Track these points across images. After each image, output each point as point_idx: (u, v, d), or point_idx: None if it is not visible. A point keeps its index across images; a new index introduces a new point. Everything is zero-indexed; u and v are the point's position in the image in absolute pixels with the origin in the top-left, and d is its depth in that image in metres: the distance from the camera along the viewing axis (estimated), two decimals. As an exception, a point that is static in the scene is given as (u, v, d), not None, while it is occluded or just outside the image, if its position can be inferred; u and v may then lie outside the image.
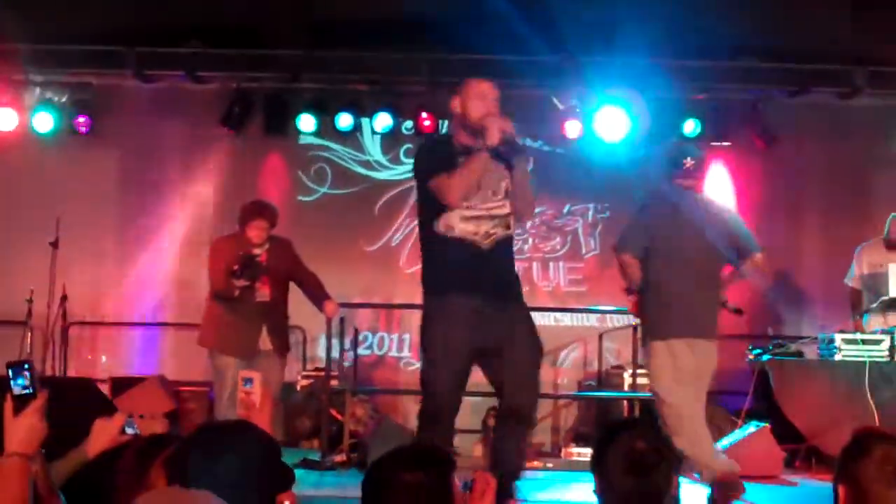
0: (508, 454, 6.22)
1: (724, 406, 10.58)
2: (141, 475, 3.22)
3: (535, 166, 10.90)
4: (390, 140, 12.47)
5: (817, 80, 11.73)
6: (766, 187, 12.35)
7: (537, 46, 11.02)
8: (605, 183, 11.92)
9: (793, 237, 12.27)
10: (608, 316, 11.63)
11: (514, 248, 6.56)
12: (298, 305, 8.93)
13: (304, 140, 12.44)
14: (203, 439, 2.91)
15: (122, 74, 11.81)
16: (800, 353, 9.77)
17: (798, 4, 10.29)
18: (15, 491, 3.06)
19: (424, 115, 11.91)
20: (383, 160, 12.55)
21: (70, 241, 11.34)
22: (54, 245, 11.18)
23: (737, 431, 9.14)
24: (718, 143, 12.21)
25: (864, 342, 9.12)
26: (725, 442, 8.99)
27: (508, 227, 6.26)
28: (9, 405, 3.18)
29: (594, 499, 3.44)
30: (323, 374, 10.23)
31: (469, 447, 10.42)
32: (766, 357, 9.56)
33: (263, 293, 8.43)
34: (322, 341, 11.27)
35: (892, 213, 10.03)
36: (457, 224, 6.03)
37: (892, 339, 9.08)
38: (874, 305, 9.55)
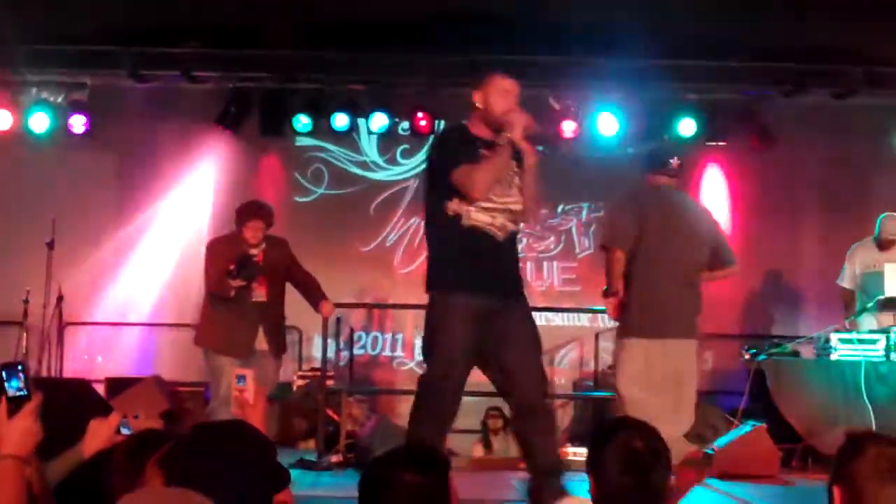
0: (542, 452, 6.16)
1: (720, 406, 10.60)
2: (134, 475, 3.22)
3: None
4: (387, 141, 12.48)
5: (814, 79, 11.72)
6: (762, 187, 12.36)
7: (533, 47, 11.03)
8: (599, 182, 11.91)
9: (790, 237, 12.29)
10: (601, 316, 11.61)
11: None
12: (294, 305, 8.93)
13: (301, 141, 12.45)
14: (198, 439, 2.91)
15: (118, 74, 11.78)
16: (796, 353, 9.76)
17: (794, 4, 10.28)
18: (9, 493, 3.05)
19: (420, 115, 11.91)
20: (380, 161, 12.56)
21: (66, 241, 11.33)
22: (50, 245, 11.17)
23: (733, 431, 9.14)
24: (715, 144, 12.22)
25: (859, 342, 9.12)
26: (722, 441, 9.01)
27: (517, 223, 6.26)
28: (3, 407, 3.16)
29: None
30: (319, 374, 10.22)
31: (468, 447, 10.42)
32: (762, 357, 9.55)
33: (260, 293, 8.44)
34: (317, 341, 11.30)
35: (883, 214, 10.04)
36: (474, 214, 6.01)
37: (887, 338, 9.09)
38: (870, 305, 9.55)
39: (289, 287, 8.74)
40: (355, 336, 11.64)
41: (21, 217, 11.94)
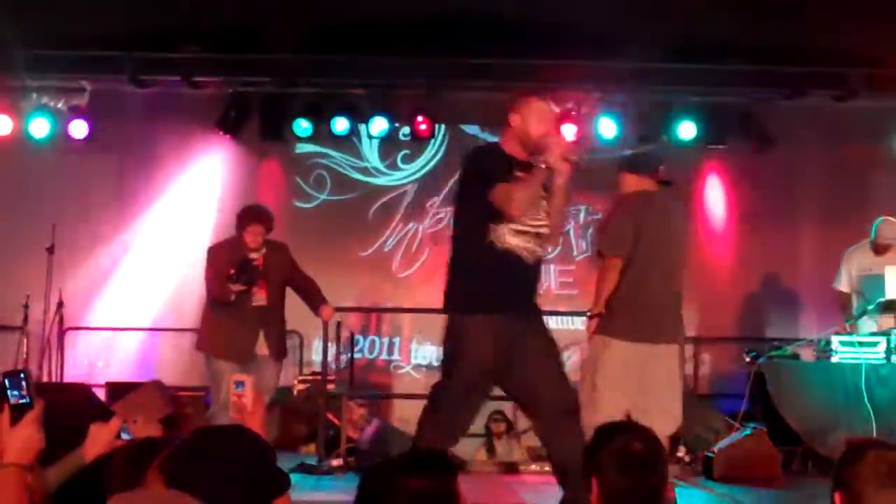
0: (576, 466, 6.15)
1: (720, 409, 10.59)
2: (135, 480, 3.22)
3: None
4: (388, 146, 12.48)
5: (814, 82, 11.72)
6: (762, 191, 12.35)
7: (533, 50, 11.04)
8: (596, 185, 11.88)
9: (789, 240, 12.29)
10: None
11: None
12: (295, 310, 8.94)
13: (304, 148, 12.46)
14: (198, 444, 2.91)
15: (118, 79, 11.78)
16: (796, 356, 9.78)
17: (794, 6, 10.28)
18: (11, 501, 3.05)
19: (420, 118, 11.92)
20: (381, 166, 12.56)
21: (66, 246, 11.34)
22: (50, 251, 11.16)
23: (733, 434, 9.15)
24: (714, 147, 12.22)
25: (860, 344, 9.14)
26: (723, 444, 9.01)
27: (544, 247, 6.29)
28: (5, 415, 3.16)
29: None
30: (319, 378, 10.22)
31: (472, 451, 10.41)
32: (762, 360, 9.56)
33: (260, 297, 8.46)
34: (317, 345, 11.31)
35: (879, 218, 10.06)
36: (507, 237, 6.03)
37: (888, 341, 9.10)
38: (871, 308, 9.56)
39: (289, 291, 8.75)
40: (355, 339, 11.64)
41: (21, 222, 11.93)
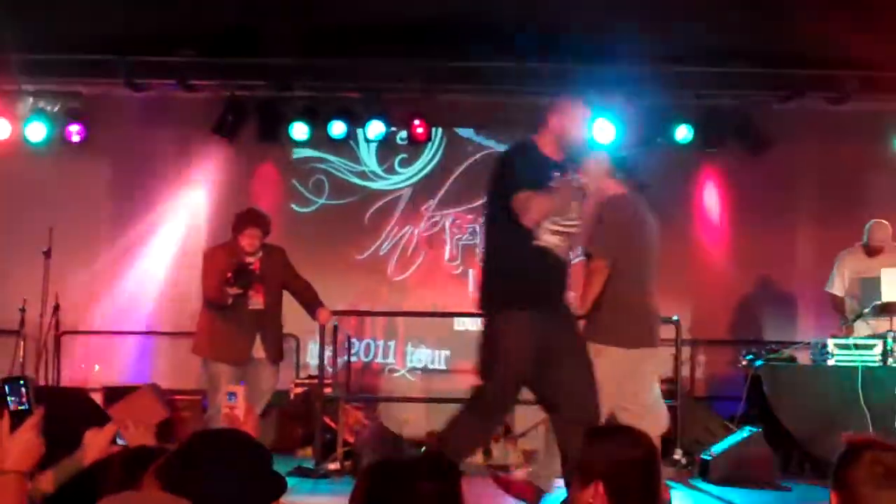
0: None
1: (717, 411, 10.61)
2: (130, 486, 3.21)
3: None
4: (385, 150, 12.48)
5: (809, 85, 11.74)
6: (758, 193, 12.35)
7: (529, 53, 11.05)
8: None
9: (786, 243, 12.28)
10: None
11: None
12: (291, 313, 8.95)
13: (301, 153, 12.46)
14: (195, 448, 2.91)
15: (114, 83, 11.79)
16: (793, 359, 9.80)
17: (789, 9, 10.29)
18: None
19: (417, 122, 11.93)
20: (379, 170, 12.56)
21: (63, 250, 11.31)
22: (47, 254, 11.14)
23: (730, 437, 9.16)
24: (711, 149, 12.22)
25: (856, 347, 9.14)
26: (719, 447, 9.02)
27: (573, 247, 6.32)
28: (5, 421, 3.16)
29: None
30: (316, 381, 10.22)
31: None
32: (759, 363, 9.57)
33: (257, 301, 8.47)
34: (312, 348, 11.32)
35: (871, 220, 10.08)
36: (545, 235, 6.07)
37: (884, 343, 9.11)
38: (867, 311, 9.57)
39: (286, 295, 8.76)
40: (349, 343, 11.64)
41: (18, 226, 11.93)
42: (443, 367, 12.26)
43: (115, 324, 12.25)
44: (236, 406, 3.70)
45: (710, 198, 12.55)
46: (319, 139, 12.12)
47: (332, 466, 9.22)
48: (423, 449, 9.93)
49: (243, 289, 8.29)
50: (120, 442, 3.99)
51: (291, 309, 8.90)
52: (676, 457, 9.25)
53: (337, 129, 11.93)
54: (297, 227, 11.96)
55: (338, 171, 12.54)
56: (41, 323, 11.34)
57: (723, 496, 8.13)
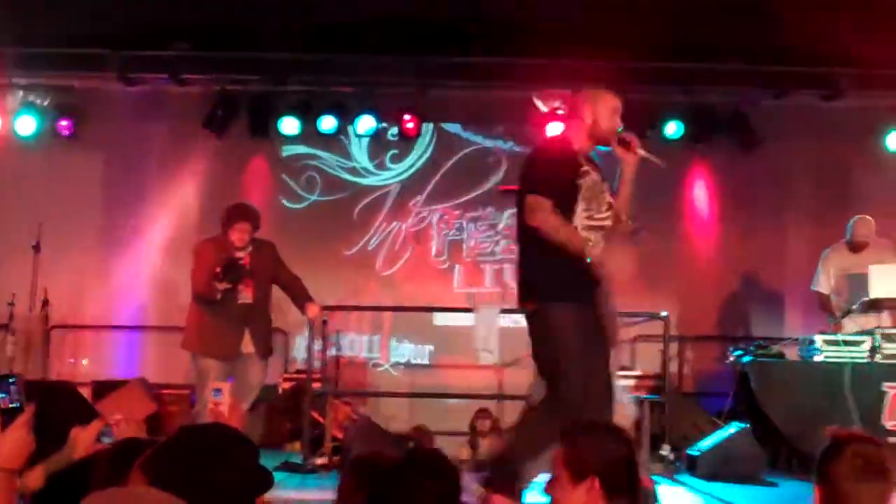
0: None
1: (705, 407, 10.62)
2: (116, 481, 3.21)
3: (514, 169, 10.97)
4: (376, 146, 12.48)
5: (801, 82, 11.75)
6: (749, 189, 12.37)
7: (520, 48, 11.05)
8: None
9: (776, 239, 12.30)
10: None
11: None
12: (280, 307, 8.96)
13: (293, 150, 12.46)
14: (182, 442, 2.91)
15: (105, 77, 11.78)
16: (781, 355, 9.81)
17: (780, 6, 10.30)
18: None
19: (408, 117, 11.95)
20: (370, 166, 12.56)
21: (52, 244, 11.31)
22: (36, 248, 11.14)
23: (718, 432, 9.17)
24: (702, 145, 12.24)
25: (844, 343, 9.16)
26: (707, 443, 9.03)
27: (606, 240, 6.28)
28: None
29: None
30: (304, 376, 10.22)
31: (456, 450, 10.40)
32: (747, 359, 9.59)
33: (246, 296, 8.46)
34: (299, 343, 11.33)
35: (855, 216, 10.10)
36: (581, 231, 6.05)
37: (872, 340, 9.13)
38: (855, 307, 9.60)
39: (275, 290, 8.76)
40: (334, 338, 11.65)
41: (7, 220, 11.91)
42: (426, 361, 12.27)
43: (104, 318, 12.25)
44: (221, 402, 3.70)
45: (700, 194, 12.56)
46: (310, 134, 12.13)
47: (321, 461, 9.22)
48: (412, 444, 9.95)
49: (232, 283, 8.29)
50: (106, 440, 3.99)
51: (280, 303, 8.90)
52: (664, 452, 9.26)
53: (327, 124, 11.95)
54: (287, 222, 11.96)
55: (330, 168, 12.53)
56: (30, 317, 11.34)
57: (710, 492, 8.13)
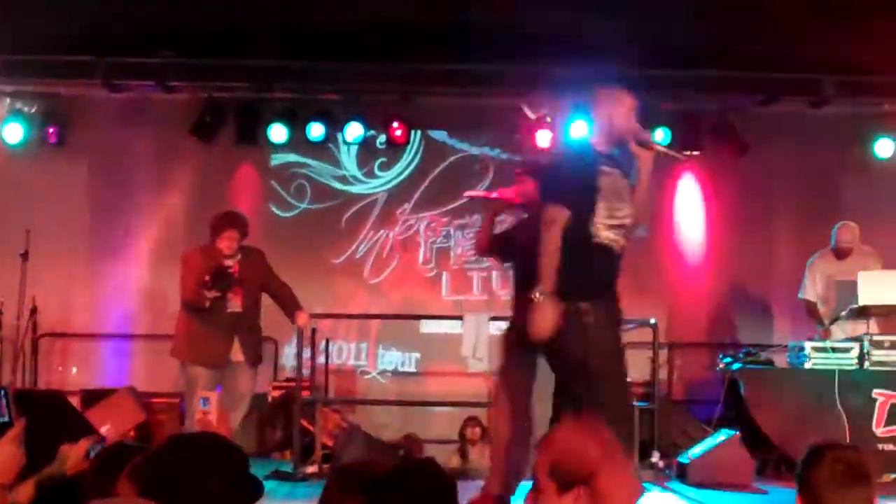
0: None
1: (694, 414, 10.63)
2: (106, 491, 3.20)
3: (502, 176, 10.98)
4: (365, 154, 12.46)
5: (788, 88, 11.77)
6: (737, 197, 12.37)
7: (508, 55, 11.04)
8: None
9: (764, 246, 12.30)
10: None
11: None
12: (268, 315, 8.94)
13: (283, 158, 12.44)
14: (172, 451, 2.90)
15: (92, 84, 11.74)
16: (770, 362, 9.84)
17: (768, 12, 10.32)
18: None
19: (396, 124, 11.94)
20: (359, 174, 12.54)
21: (40, 252, 11.27)
22: (24, 257, 11.09)
23: (707, 439, 9.18)
24: (689, 153, 12.23)
25: (833, 350, 9.18)
26: (697, 450, 9.04)
27: (627, 238, 6.25)
28: None
29: None
30: (294, 384, 10.20)
31: (446, 458, 10.39)
32: (736, 365, 9.60)
33: (235, 304, 8.45)
34: (287, 351, 11.32)
35: (839, 222, 10.13)
36: (602, 231, 6.05)
37: (861, 346, 9.15)
38: (843, 314, 9.61)
39: (264, 297, 8.75)
40: (322, 346, 11.64)
41: (-6, 228, 11.88)
42: (413, 369, 12.26)
43: (92, 326, 12.20)
44: (209, 411, 3.70)
45: (687, 201, 12.55)
46: (300, 142, 12.11)
47: (311, 470, 9.19)
48: (402, 452, 9.95)
49: (221, 292, 8.27)
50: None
51: (269, 311, 8.89)
52: (654, 459, 9.25)
53: (315, 131, 11.92)
54: (276, 230, 11.94)
55: (319, 176, 12.51)
56: (18, 326, 11.30)
57: (700, 499, 8.14)
